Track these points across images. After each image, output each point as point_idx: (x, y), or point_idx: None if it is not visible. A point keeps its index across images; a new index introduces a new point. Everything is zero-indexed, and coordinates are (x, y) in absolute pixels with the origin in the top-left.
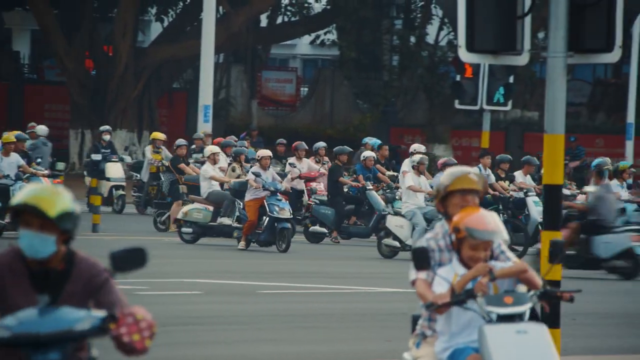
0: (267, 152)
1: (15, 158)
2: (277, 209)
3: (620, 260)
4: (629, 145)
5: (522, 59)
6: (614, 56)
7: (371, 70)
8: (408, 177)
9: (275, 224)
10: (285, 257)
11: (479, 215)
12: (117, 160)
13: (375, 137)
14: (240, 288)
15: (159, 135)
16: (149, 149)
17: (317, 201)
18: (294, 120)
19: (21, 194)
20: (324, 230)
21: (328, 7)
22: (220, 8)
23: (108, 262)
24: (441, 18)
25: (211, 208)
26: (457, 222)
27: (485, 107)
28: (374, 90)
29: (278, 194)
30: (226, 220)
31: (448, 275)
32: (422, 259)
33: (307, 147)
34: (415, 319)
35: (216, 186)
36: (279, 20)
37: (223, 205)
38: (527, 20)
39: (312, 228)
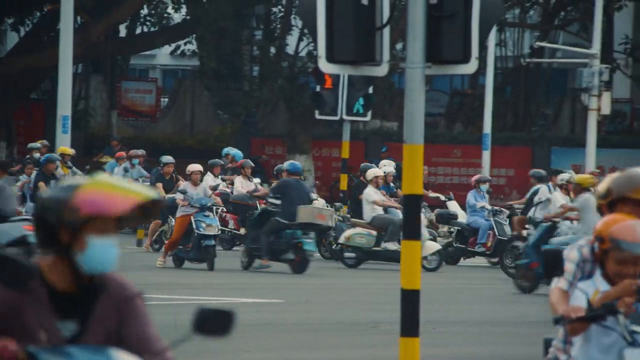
0: (197, 167)
1: None
2: (203, 225)
3: (14, 247)
4: (486, 155)
5: (381, 70)
6: (470, 67)
7: (231, 81)
8: (558, 196)
9: (202, 241)
10: (154, 269)
11: (628, 224)
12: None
13: (237, 147)
14: None
15: (68, 150)
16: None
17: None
18: (155, 131)
19: (99, 190)
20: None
21: (187, 17)
22: (79, 18)
23: (192, 319)
24: (301, 29)
25: (374, 232)
26: (601, 231)
27: (345, 117)
28: (235, 100)
29: (207, 210)
30: (391, 245)
31: (588, 290)
32: (552, 264)
33: (253, 165)
34: (547, 343)
35: (380, 210)
36: (139, 30)
37: (387, 230)
38: (386, 31)
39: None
